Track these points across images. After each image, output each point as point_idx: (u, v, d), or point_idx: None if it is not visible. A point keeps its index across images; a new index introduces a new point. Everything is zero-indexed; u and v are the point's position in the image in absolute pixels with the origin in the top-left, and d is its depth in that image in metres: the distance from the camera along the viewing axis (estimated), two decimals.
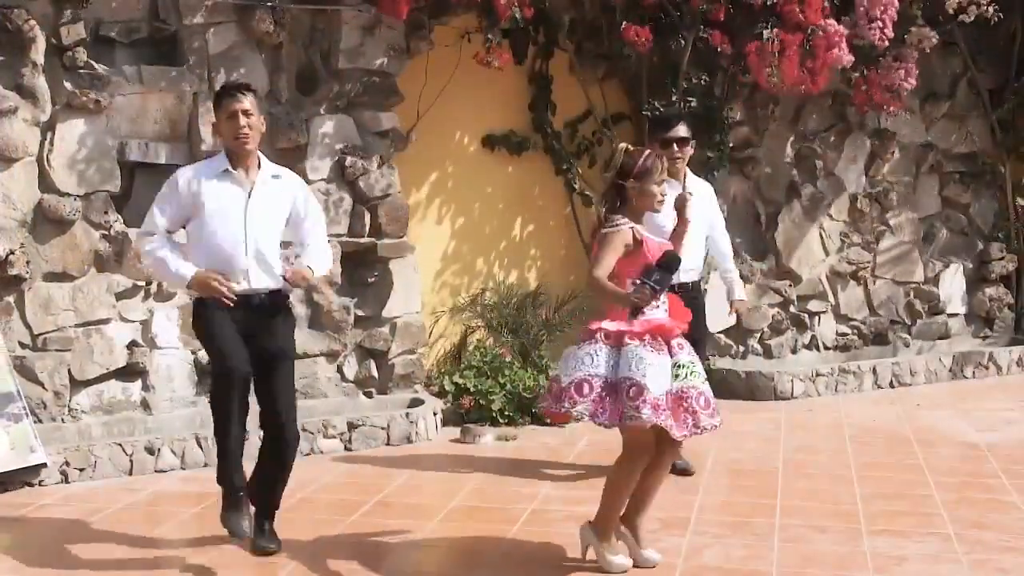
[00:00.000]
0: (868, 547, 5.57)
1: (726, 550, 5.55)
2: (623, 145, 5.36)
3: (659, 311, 5.17)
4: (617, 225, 5.17)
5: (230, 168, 5.55)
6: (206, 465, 7.11)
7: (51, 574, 5.30)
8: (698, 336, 6.89)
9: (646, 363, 4.99)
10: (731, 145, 9.83)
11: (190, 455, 7.14)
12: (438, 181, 9.14)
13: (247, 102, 5.52)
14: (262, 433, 5.62)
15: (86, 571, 5.32)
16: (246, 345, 5.48)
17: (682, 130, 6.87)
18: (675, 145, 6.81)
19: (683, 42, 9.14)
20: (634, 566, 5.30)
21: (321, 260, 5.72)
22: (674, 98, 9.20)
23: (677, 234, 5.59)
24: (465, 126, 9.22)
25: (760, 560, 5.40)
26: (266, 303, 5.56)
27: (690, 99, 9.22)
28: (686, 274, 6.87)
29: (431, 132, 8.89)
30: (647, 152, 5.28)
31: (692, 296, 6.90)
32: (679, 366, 5.10)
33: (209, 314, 5.49)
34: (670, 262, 5.00)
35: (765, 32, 8.96)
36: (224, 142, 5.61)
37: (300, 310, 8.06)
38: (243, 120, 5.48)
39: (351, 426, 7.64)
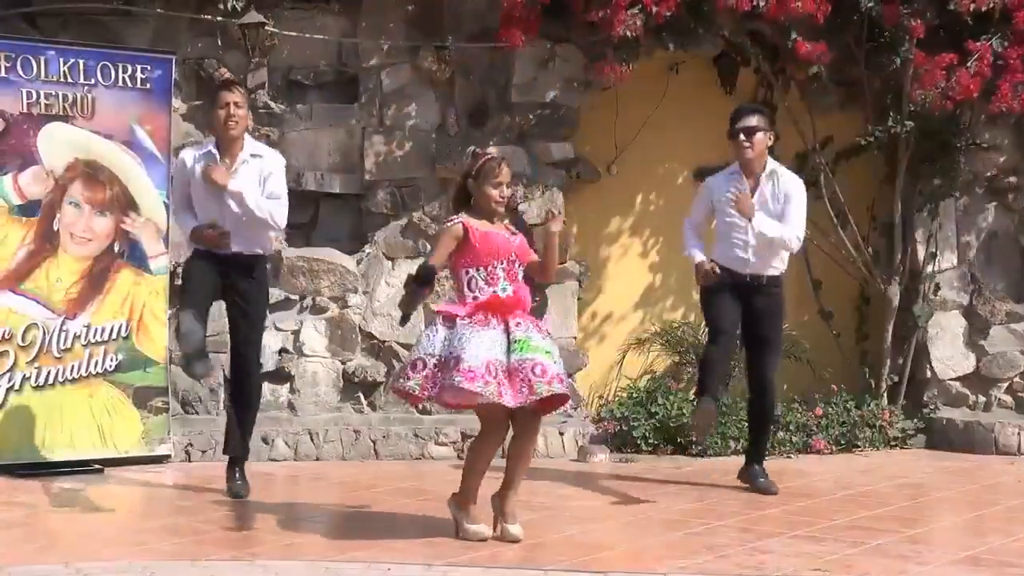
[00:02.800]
0: None
1: None
2: (471, 148, 5.85)
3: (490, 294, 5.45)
4: (450, 222, 5.56)
5: (213, 150, 6.47)
6: (317, 459, 7.84)
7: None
8: (767, 333, 6.70)
9: (466, 338, 5.28)
10: (990, 174, 8.96)
11: (303, 447, 7.82)
12: (643, 212, 9.15)
13: (238, 95, 6.47)
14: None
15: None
16: (223, 296, 6.46)
17: (752, 120, 6.72)
18: (741, 135, 6.70)
19: (898, 62, 8.49)
20: (499, 539, 5.48)
21: (253, 199, 6.36)
22: (890, 122, 8.54)
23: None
24: (674, 158, 9.16)
25: None
26: (244, 262, 6.42)
27: (908, 123, 8.49)
28: (757, 267, 6.66)
29: (637, 163, 9.01)
30: (488, 155, 5.66)
31: (769, 291, 6.77)
32: (516, 342, 5.30)
33: (193, 265, 6.50)
34: (420, 273, 5.50)
35: (994, 41, 8.19)
36: (215, 128, 6.54)
37: None
38: (233, 110, 6.40)
39: (464, 436, 7.91)
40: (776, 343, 6.89)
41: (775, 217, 6.67)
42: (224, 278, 6.40)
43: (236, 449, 6.63)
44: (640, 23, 7.92)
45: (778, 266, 6.77)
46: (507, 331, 5.34)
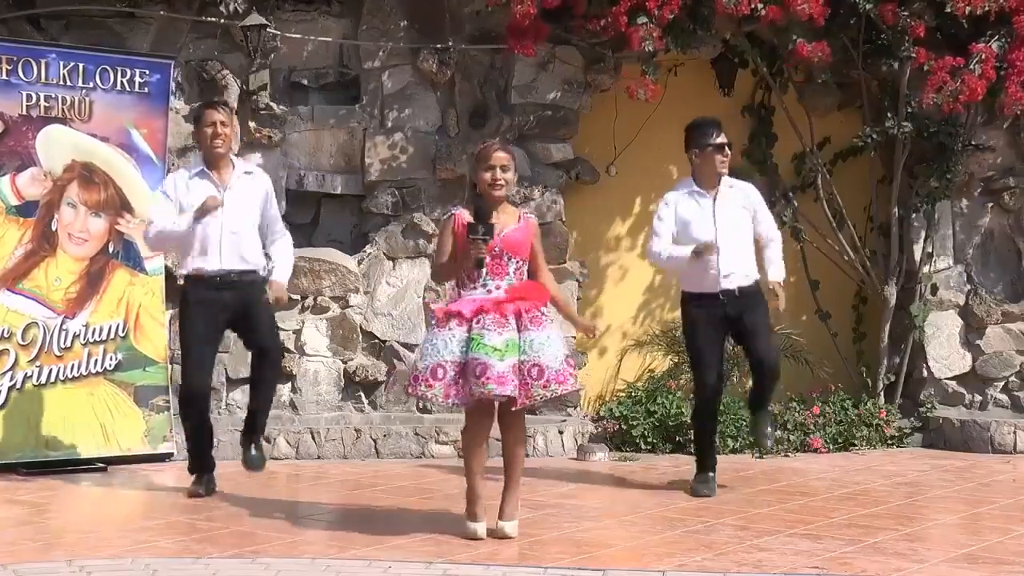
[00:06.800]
0: None
1: None
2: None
3: (493, 293, 5.49)
4: (449, 214, 5.65)
5: (205, 169, 6.54)
6: (318, 458, 7.92)
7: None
8: (754, 326, 6.80)
9: (426, 340, 5.48)
10: (987, 175, 9.05)
11: (304, 446, 7.90)
12: (643, 213, 9.19)
13: (223, 115, 6.55)
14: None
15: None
16: (224, 317, 6.47)
17: (723, 135, 6.84)
18: (718, 152, 6.77)
19: (895, 64, 8.53)
20: (491, 536, 5.57)
21: (286, 270, 6.70)
22: (888, 124, 8.59)
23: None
24: (673, 159, 9.09)
25: None
26: (238, 281, 6.48)
27: (905, 124, 8.53)
28: (730, 280, 6.65)
29: (636, 164, 9.04)
30: (487, 142, 5.74)
31: (744, 300, 6.76)
32: (471, 340, 5.38)
33: (189, 310, 6.53)
34: (479, 212, 5.41)
35: (995, 44, 8.23)
36: (201, 146, 6.64)
37: None
38: (219, 129, 6.48)
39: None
40: (765, 326, 6.89)
41: (743, 222, 6.79)
42: (223, 313, 6.46)
43: (242, 438, 6.75)
44: (657, 34, 7.92)
45: (749, 275, 6.80)
46: (518, 328, 5.41)
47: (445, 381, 5.37)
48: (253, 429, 6.65)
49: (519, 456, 5.63)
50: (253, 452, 6.59)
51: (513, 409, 5.46)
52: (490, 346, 5.31)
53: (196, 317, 6.46)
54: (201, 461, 6.68)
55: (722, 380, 7.03)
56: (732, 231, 6.71)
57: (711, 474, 6.86)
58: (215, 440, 7.08)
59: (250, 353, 6.74)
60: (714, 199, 6.74)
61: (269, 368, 6.65)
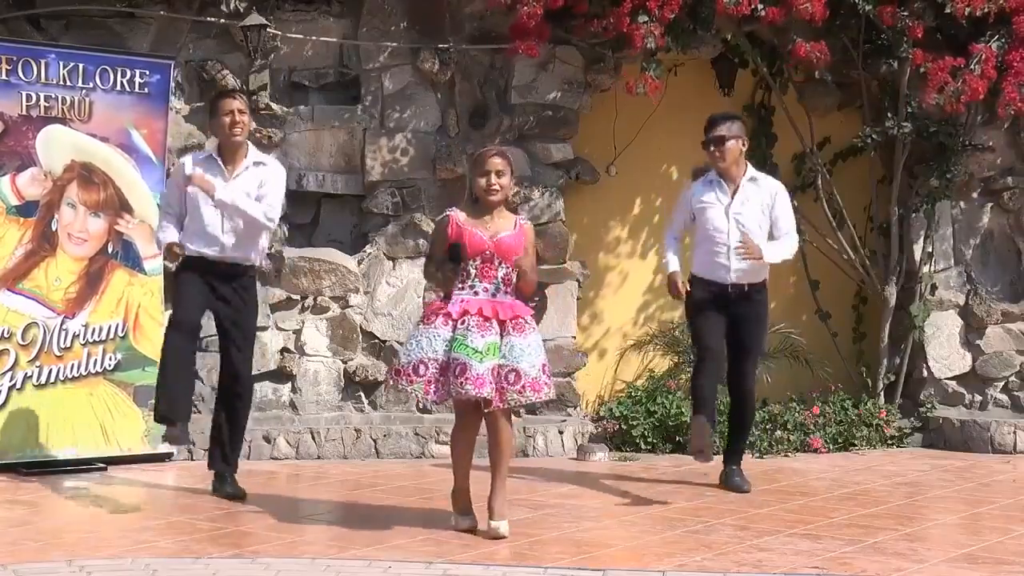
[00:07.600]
0: None
1: None
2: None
3: (480, 295, 5.60)
4: (445, 215, 5.74)
5: (214, 155, 6.55)
6: (319, 458, 7.90)
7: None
8: (748, 342, 6.76)
9: (412, 336, 5.60)
10: (986, 175, 9.05)
11: (304, 446, 7.89)
12: (643, 214, 9.20)
13: (240, 102, 6.55)
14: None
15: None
16: (213, 306, 6.51)
17: (721, 129, 6.83)
18: (711, 145, 6.85)
19: (895, 64, 8.54)
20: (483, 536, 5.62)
21: (241, 199, 6.40)
22: (888, 124, 8.59)
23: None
24: (673, 159, 9.20)
25: None
26: (235, 271, 6.50)
27: (904, 124, 8.53)
28: (740, 275, 6.66)
29: (636, 164, 9.04)
30: (486, 148, 5.95)
31: (752, 298, 6.84)
32: (454, 340, 5.51)
33: (183, 275, 6.55)
34: (452, 252, 5.54)
35: (995, 44, 8.22)
36: (219, 135, 6.63)
37: None
38: (238, 117, 6.49)
39: None
40: (756, 351, 7.00)
41: (761, 221, 6.84)
42: (214, 290, 6.46)
43: (219, 465, 6.70)
44: (659, 31, 7.91)
45: (761, 272, 6.85)
46: (502, 332, 5.52)
47: (426, 377, 5.50)
48: (226, 458, 6.65)
49: (503, 456, 5.66)
50: (228, 488, 6.54)
51: (487, 411, 5.54)
52: (471, 348, 5.44)
53: (189, 280, 6.45)
54: (175, 402, 6.42)
55: (723, 349, 6.92)
56: (747, 226, 6.75)
57: (703, 418, 6.69)
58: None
59: (221, 391, 6.75)
60: (733, 193, 6.81)
61: (240, 420, 6.71)
